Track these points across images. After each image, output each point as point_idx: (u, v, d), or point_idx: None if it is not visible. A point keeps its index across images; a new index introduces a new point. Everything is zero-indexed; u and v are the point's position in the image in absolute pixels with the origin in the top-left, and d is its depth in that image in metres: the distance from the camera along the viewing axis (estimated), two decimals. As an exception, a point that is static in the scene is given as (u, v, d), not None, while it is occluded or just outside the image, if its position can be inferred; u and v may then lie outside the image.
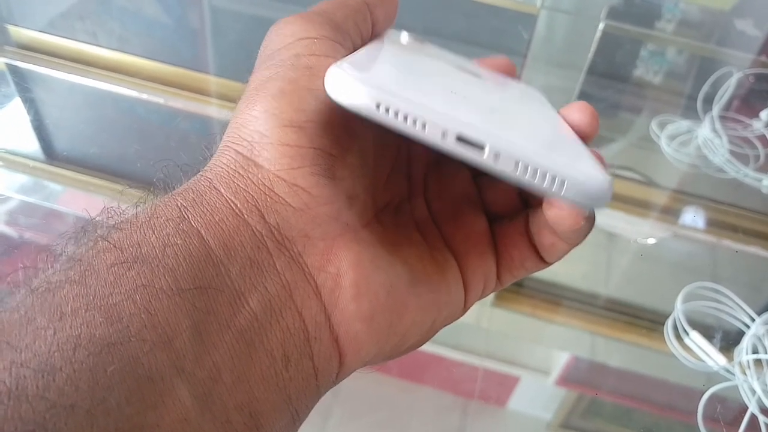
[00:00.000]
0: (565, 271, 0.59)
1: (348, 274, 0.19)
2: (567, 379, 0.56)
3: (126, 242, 0.17)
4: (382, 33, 0.26)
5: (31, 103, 0.71)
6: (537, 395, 0.57)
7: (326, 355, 0.19)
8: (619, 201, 0.64)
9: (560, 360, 0.57)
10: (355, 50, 0.23)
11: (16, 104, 0.70)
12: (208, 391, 0.16)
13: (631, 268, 0.61)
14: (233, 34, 0.81)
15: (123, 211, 0.18)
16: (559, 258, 0.24)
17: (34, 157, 0.66)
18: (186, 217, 0.18)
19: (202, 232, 0.17)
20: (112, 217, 0.18)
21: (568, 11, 0.89)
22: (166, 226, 0.17)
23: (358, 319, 0.19)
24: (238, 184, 0.18)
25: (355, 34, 0.23)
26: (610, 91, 0.81)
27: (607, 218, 0.63)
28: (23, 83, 0.72)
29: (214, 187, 0.18)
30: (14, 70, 0.72)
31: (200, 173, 0.19)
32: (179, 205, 0.18)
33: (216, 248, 0.17)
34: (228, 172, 0.19)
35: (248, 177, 0.18)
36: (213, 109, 0.68)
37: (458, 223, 0.24)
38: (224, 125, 0.21)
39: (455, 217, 0.24)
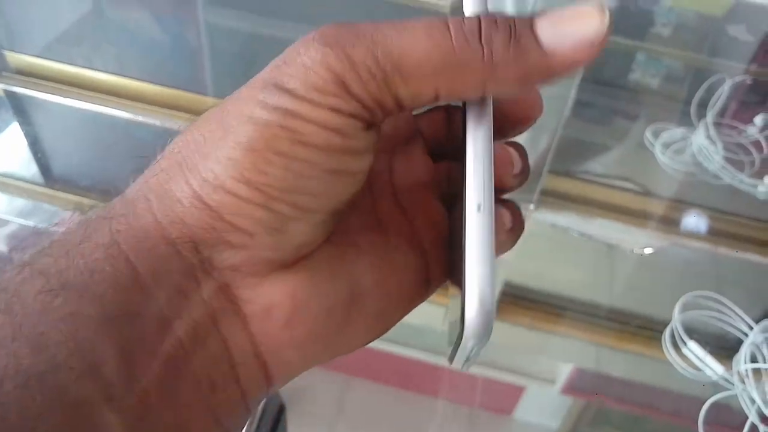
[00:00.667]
0: (563, 282, 0.60)
1: (280, 306, 0.19)
2: (572, 387, 0.56)
3: (53, 268, 0.17)
4: None
5: (29, 128, 0.71)
6: (543, 404, 0.57)
7: (253, 378, 0.19)
8: (617, 212, 0.64)
9: (565, 369, 0.58)
10: (403, 106, 0.20)
11: (15, 129, 0.71)
12: (137, 418, 0.17)
13: (629, 278, 0.61)
14: (230, 54, 0.81)
15: (53, 232, 0.18)
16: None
17: (33, 180, 0.67)
18: (117, 242, 0.18)
19: (132, 258, 0.17)
20: (41, 239, 0.18)
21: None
22: (96, 251, 0.17)
23: (289, 347, 0.19)
24: (178, 214, 0.18)
25: (418, 103, 0.19)
26: (604, 100, 0.82)
27: (604, 229, 0.63)
28: (21, 108, 0.73)
29: (152, 212, 0.18)
30: (12, 96, 0.72)
31: (143, 187, 0.19)
32: (112, 230, 0.18)
33: (144, 275, 0.17)
34: (172, 200, 0.18)
35: (191, 211, 0.18)
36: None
37: (423, 209, 0.24)
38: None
39: (420, 204, 0.24)
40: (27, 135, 0.70)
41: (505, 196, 0.24)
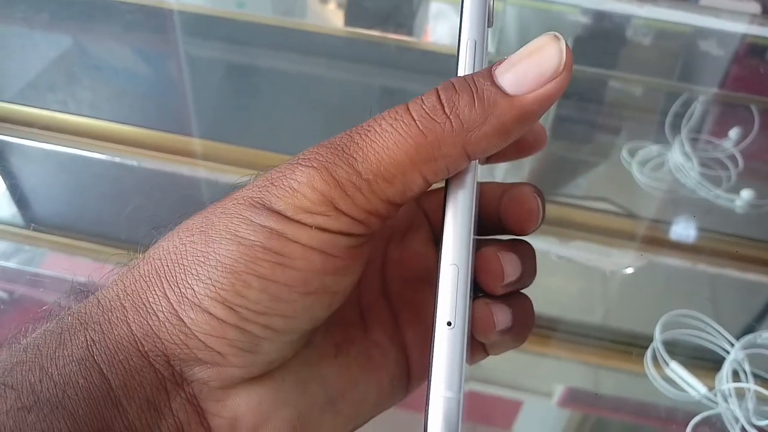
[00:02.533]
0: (546, 304, 0.60)
1: (246, 418, 0.19)
2: (568, 400, 0.56)
3: (26, 382, 0.17)
4: None
5: (6, 172, 0.71)
6: (541, 417, 0.57)
7: None
8: (595, 233, 0.65)
9: (558, 384, 0.58)
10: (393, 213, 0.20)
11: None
12: None
13: (610, 299, 0.61)
14: (207, 92, 0.82)
15: (29, 340, 0.18)
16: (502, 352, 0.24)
17: (11, 223, 0.67)
18: (92, 354, 0.18)
19: (104, 370, 0.18)
20: (15, 348, 0.18)
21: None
22: (71, 362, 0.17)
23: None
24: (151, 327, 0.18)
25: (412, 194, 0.19)
26: (579, 119, 0.83)
27: (583, 251, 0.63)
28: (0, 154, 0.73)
29: (128, 323, 0.18)
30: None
31: (120, 293, 0.19)
32: (88, 340, 0.18)
33: (116, 388, 0.18)
34: (147, 312, 0.18)
35: (165, 325, 0.18)
36: (186, 168, 0.69)
37: (410, 302, 0.23)
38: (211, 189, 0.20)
39: (409, 297, 0.24)
40: (4, 178, 0.70)
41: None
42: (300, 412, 0.20)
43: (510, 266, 0.21)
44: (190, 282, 0.18)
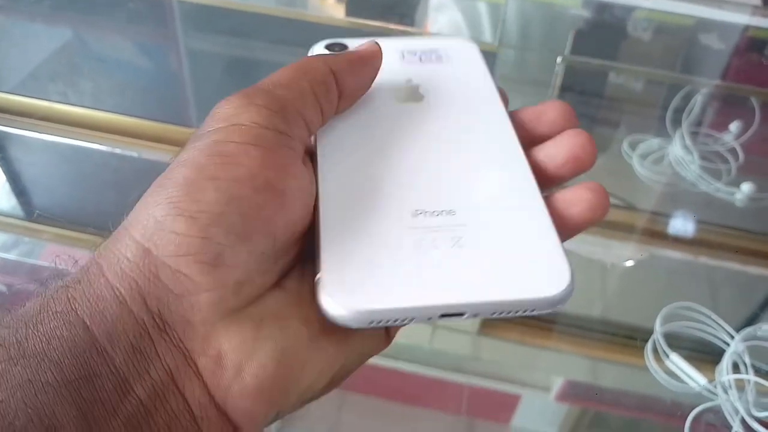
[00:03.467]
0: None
1: (229, 356, 0.19)
2: (566, 395, 0.56)
3: (12, 338, 0.18)
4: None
5: (6, 163, 0.71)
6: (540, 412, 0.57)
7: (217, 430, 0.19)
8: (595, 226, 0.65)
9: (558, 377, 0.58)
10: (308, 129, 0.23)
11: (-6, 165, 0.71)
12: None
13: (611, 292, 0.62)
14: (207, 83, 0.81)
15: (16, 310, 0.19)
16: None
17: (12, 214, 0.67)
18: (73, 308, 0.18)
19: (87, 322, 0.18)
20: (1, 317, 0.19)
21: (528, 47, 0.90)
22: (53, 319, 0.18)
23: (243, 396, 0.19)
24: (125, 271, 0.19)
25: (312, 111, 0.23)
26: (581, 113, 0.83)
27: (583, 243, 0.63)
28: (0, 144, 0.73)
29: (103, 273, 0.19)
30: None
31: (97, 255, 0.20)
32: (69, 297, 0.19)
33: (100, 337, 0.18)
34: (118, 258, 0.19)
35: (136, 263, 0.19)
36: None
37: None
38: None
39: None
40: (5, 170, 0.70)
41: None
42: (283, 347, 0.20)
43: None
44: (150, 212, 0.19)
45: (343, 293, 0.20)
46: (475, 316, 0.21)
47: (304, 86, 0.23)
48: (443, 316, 0.21)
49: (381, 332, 0.23)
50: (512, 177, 0.25)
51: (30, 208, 0.68)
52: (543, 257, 0.22)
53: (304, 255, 0.23)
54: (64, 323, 0.18)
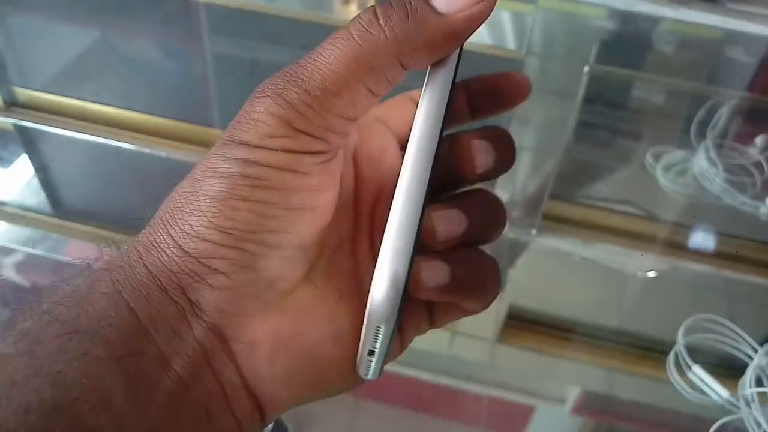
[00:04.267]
0: (567, 306, 0.60)
1: (263, 344, 0.21)
2: (582, 407, 0.56)
3: (67, 316, 0.19)
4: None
5: (37, 160, 0.72)
6: (554, 424, 0.57)
7: (246, 410, 0.21)
8: (619, 235, 0.65)
9: (574, 389, 0.58)
10: (356, 121, 0.21)
11: (23, 161, 0.72)
12: None
13: (633, 302, 0.61)
14: (234, 85, 0.82)
15: (66, 283, 0.21)
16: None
17: (40, 210, 0.68)
18: (119, 291, 0.20)
19: (132, 305, 0.20)
20: (55, 291, 0.20)
21: (554, 56, 0.90)
22: (102, 299, 0.20)
23: (273, 382, 0.21)
24: (164, 263, 0.20)
25: (364, 105, 0.21)
26: (605, 123, 0.82)
27: (606, 253, 0.63)
28: (29, 141, 0.74)
29: (143, 263, 0.20)
30: (20, 129, 0.74)
31: (136, 243, 0.21)
32: (114, 280, 0.20)
33: (144, 320, 0.20)
34: (157, 250, 0.20)
35: (175, 259, 0.20)
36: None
37: None
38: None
39: None
40: (35, 167, 0.71)
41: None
42: (311, 344, 0.22)
43: (445, 223, 0.22)
44: (186, 219, 0.20)
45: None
46: None
47: (355, 84, 0.20)
48: None
49: (411, 334, 0.24)
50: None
51: (56, 205, 0.69)
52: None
53: (329, 242, 0.24)
54: (110, 305, 0.19)
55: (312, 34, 0.90)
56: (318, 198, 0.22)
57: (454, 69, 0.22)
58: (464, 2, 0.21)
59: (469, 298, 0.23)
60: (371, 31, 0.20)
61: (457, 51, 0.23)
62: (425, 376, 0.57)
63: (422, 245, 0.22)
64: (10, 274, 0.63)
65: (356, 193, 0.25)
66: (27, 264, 0.64)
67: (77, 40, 0.87)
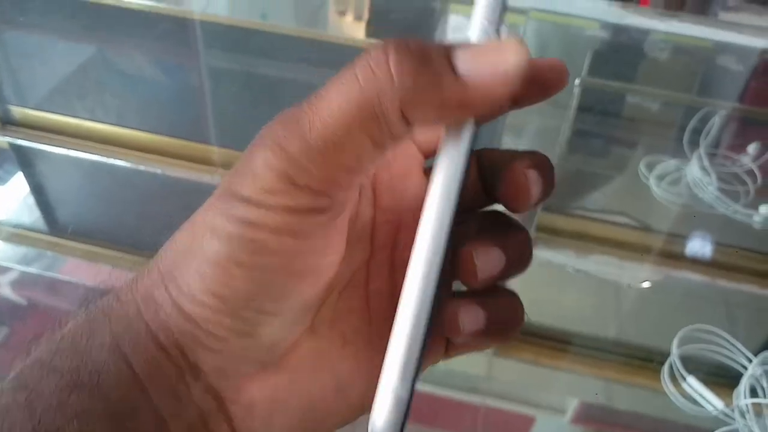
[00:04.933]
0: (562, 317, 0.60)
1: (260, 405, 0.21)
2: (582, 417, 0.56)
3: (66, 367, 0.19)
4: None
5: (32, 178, 0.72)
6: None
7: None
8: (613, 246, 0.65)
9: (573, 399, 0.58)
10: (361, 178, 0.20)
11: (19, 179, 0.72)
12: None
13: (628, 313, 0.61)
14: (230, 101, 0.83)
15: (64, 331, 0.20)
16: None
17: (37, 229, 0.68)
18: (117, 344, 0.19)
19: (131, 361, 0.19)
20: (53, 337, 0.20)
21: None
22: (101, 352, 0.19)
23: None
24: (162, 320, 0.19)
25: (369, 160, 0.19)
26: (598, 133, 0.83)
27: (600, 264, 0.63)
28: (25, 159, 0.74)
29: (142, 317, 0.20)
30: (16, 148, 0.74)
31: (134, 292, 0.20)
32: (113, 332, 0.20)
33: (142, 377, 0.19)
34: (156, 306, 0.20)
35: (172, 316, 0.19)
36: (208, 177, 0.70)
37: None
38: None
39: None
40: (31, 185, 0.72)
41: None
42: (311, 400, 0.21)
43: (486, 264, 0.21)
44: (184, 277, 0.19)
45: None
46: None
47: (358, 134, 0.18)
48: None
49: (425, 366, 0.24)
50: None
51: (52, 223, 0.69)
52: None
53: (338, 281, 0.22)
54: (111, 358, 0.19)
55: (307, 48, 0.91)
56: (322, 261, 0.20)
57: (470, 136, 0.20)
58: (489, 73, 0.18)
59: (498, 340, 0.22)
60: (377, 73, 0.17)
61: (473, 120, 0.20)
62: (423, 388, 0.57)
63: (457, 281, 0.21)
64: (6, 292, 0.63)
65: (374, 222, 0.23)
66: (23, 282, 0.64)
67: (72, 57, 0.87)
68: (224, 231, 0.19)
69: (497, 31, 0.20)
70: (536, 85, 0.22)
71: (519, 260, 0.22)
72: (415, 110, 0.18)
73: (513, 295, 0.22)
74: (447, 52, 0.18)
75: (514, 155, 0.22)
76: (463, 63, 0.18)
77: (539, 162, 0.22)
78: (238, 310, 0.19)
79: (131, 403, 0.19)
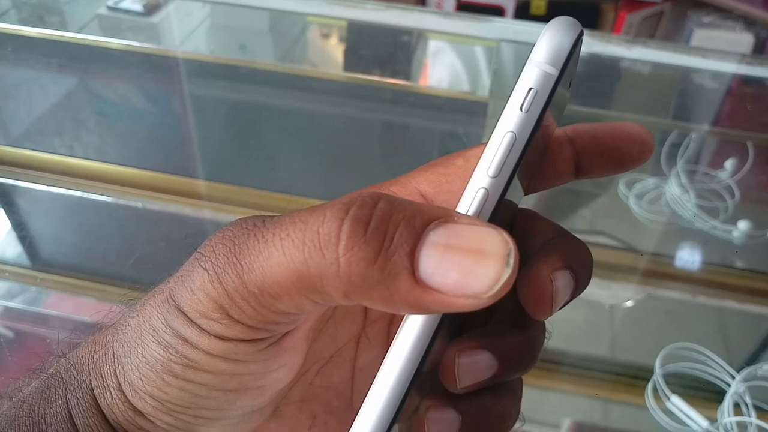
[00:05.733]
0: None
1: None
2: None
3: None
4: None
5: (12, 214, 0.72)
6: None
7: None
8: (594, 267, 0.65)
9: (566, 418, 0.58)
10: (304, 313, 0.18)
11: (1, 216, 0.72)
12: None
13: (611, 332, 0.62)
14: (210, 134, 0.83)
15: (24, 394, 0.20)
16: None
17: (20, 264, 0.68)
18: (71, 416, 0.20)
19: None
20: (15, 401, 0.20)
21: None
22: (57, 424, 0.19)
23: None
24: (107, 402, 0.20)
25: (307, 309, 0.18)
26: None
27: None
28: (6, 196, 0.74)
29: (92, 392, 0.20)
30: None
31: (88, 360, 0.20)
32: (69, 401, 0.20)
33: None
34: (103, 387, 0.20)
35: (117, 402, 0.19)
36: (189, 210, 0.70)
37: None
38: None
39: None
40: (12, 221, 0.71)
41: None
42: None
43: (469, 372, 0.18)
44: (128, 370, 0.19)
45: None
46: None
47: (296, 295, 0.17)
48: None
49: None
50: None
51: (35, 258, 0.69)
52: None
53: (318, 356, 0.22)
54: (63, 429, 0.19)
55: (290, 78, 0.92)
56: (263, 378, 0.19)
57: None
58: (453, 286, 0.15)
59: None
60: (324, 253, 0.15)
61: None
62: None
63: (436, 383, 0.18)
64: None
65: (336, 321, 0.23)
66: (6, 317, 0.64)
67: (50, 94, 0.87)
68: (162, 339, 0.18)
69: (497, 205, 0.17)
70: (610, 158, 0.19)
71: (517, 364, 0.19)
72: (362, 300, 0.16)
73: (509, 394, 0.20)
74: (412, 239, 0.15)
75: (546, 243, 0.19)
76: (427, 263, 0.15)
77: (573, 257, 0.19)
78: (176, 413, 0.19)
79: None
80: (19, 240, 0.70)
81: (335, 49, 0.99)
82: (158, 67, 0.93)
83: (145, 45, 0.94)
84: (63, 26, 0.96)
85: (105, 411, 0.20)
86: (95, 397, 0.20)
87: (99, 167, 0.74)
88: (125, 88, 0.91)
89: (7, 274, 0.66)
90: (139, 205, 0.70)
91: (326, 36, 1.02)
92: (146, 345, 0.19)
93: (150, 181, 0.72)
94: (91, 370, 0.20)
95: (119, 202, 0.71)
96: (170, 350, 0.18)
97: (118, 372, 0.19)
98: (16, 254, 0.69)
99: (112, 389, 0.19)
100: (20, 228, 0.71)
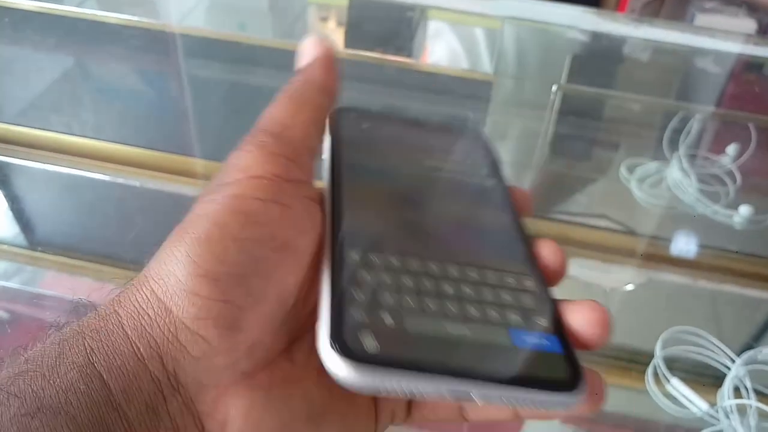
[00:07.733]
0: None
1: (235, 422, 0.20)
2: (571, 417, 0.56)
3: (29, 390, 0.18)
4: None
5: (9, 192, 0.72)
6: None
7: None
8: (595, 250, 0.65)
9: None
10: (315, 159, 0.24)
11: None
12: None
13: (612, 316, 0.62)
14: (208, 112, 0.82)
15: (29, 354, 0.19)
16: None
17: (16, 243, 0.67)
18: (92, 361, 0.19)
19: (105, 376, 0.18)
20: (17, 358, 0.19)
21: (523, 75, 0.91)
22: (71, 370, 0.18)
23: None
24: (144, 327, 0.19)
25: (317, 140, 0.24)
26: (578, 137, 0.83)
27: (583, 268, 0.63)
28: (3, 174, 0.73)
29: (122, 327, 0.19)
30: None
31: (115, 302, 0.20)
32: (87, 347, 0.19)
33: (116, 393, 0.18)
34: (138, 312, 0.19)
35: (156, 320, 0.19)
36: (187, 188, 0.69)
37: None
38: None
39: None
40: (8, 199, 0.71)
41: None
42: (284, 423, 0.21)
43: None
44: (171, 269, 0.19)
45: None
46: (484, 401, 0.19)
47: (307, 119, 0.24)
48: (454, 396, 0.19)
49: (371, 424, 0.23)
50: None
51: (31, 237, 0.68)
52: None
53: (313, 323, 0.22)
54: (81, 376, 0.18)
55: (288, 56, 0.91)
56: (300, 238, 0.22)
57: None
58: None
59: None
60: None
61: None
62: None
63: None
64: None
65: None
66: (3, 296, 0.63)
67: (48, 71, 0.86)
68: (213, 210, 0.20)
69: None
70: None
71: None
72: (328, 87, 0.27)
73: None
74: None
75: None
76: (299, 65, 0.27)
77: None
78: (228, 291, 0.19)
79: (103, 423, 0.18)
80: (15, 218, 0.69)
81: (335, 30, 0.98)
82: (157, 44, 0.92)
83: (144, 19, 0.93)
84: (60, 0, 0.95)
85: (137, 341, 0.19)
86: (125, 332, 0.19)
87: (95, 145, 0.73)
88: (123, 64, 0.90)
89: (2, 253, 0.66)
90: (137, 183, 0.69)
91: (324, 19, 1.01)
92: (194, 228, 0.20)
93: (147, 159, 0.72)
94: (119, 309, 0.20)
95: (116, 180, 0.70)
96: (226, 213, 0.21)
97: (156, 286, 0.19)
98: (12, 233, 0.68)
99: (149, 311, 0.19)
100: (15, 206, 0.70)
